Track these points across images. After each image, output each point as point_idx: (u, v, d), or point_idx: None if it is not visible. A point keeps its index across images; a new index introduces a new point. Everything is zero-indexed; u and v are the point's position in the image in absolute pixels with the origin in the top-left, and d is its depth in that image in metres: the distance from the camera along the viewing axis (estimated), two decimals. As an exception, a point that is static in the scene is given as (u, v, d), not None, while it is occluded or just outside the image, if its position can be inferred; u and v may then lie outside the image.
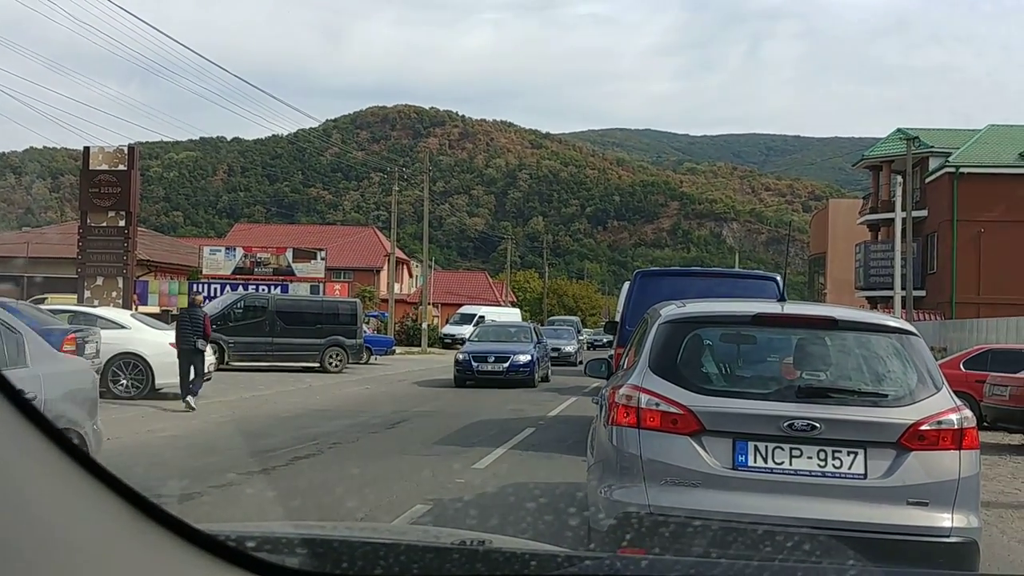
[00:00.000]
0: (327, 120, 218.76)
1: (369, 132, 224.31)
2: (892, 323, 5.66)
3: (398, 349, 43.25)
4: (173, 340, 16.97)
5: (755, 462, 4.89)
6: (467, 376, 22.80)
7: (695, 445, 4.92)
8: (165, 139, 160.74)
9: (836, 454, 4.85)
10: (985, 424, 16.13)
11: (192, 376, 15.79)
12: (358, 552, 1.60)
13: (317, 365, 27.47)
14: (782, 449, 4.87)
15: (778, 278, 12.70)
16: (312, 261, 40.46)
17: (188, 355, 15.87)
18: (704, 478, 4.85)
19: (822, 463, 4.85)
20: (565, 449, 11.82)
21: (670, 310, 5.70)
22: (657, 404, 5.03)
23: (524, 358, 23.38)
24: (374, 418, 15.26)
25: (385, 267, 61.21)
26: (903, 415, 4.92)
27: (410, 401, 18.63)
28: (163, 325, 18.97)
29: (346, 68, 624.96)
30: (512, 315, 50.61)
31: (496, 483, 9.22)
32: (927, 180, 42.14)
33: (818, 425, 4.83)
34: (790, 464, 4.86)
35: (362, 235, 74.51)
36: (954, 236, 39.69)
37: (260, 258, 40.23)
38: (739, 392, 5.29)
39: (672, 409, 5.00)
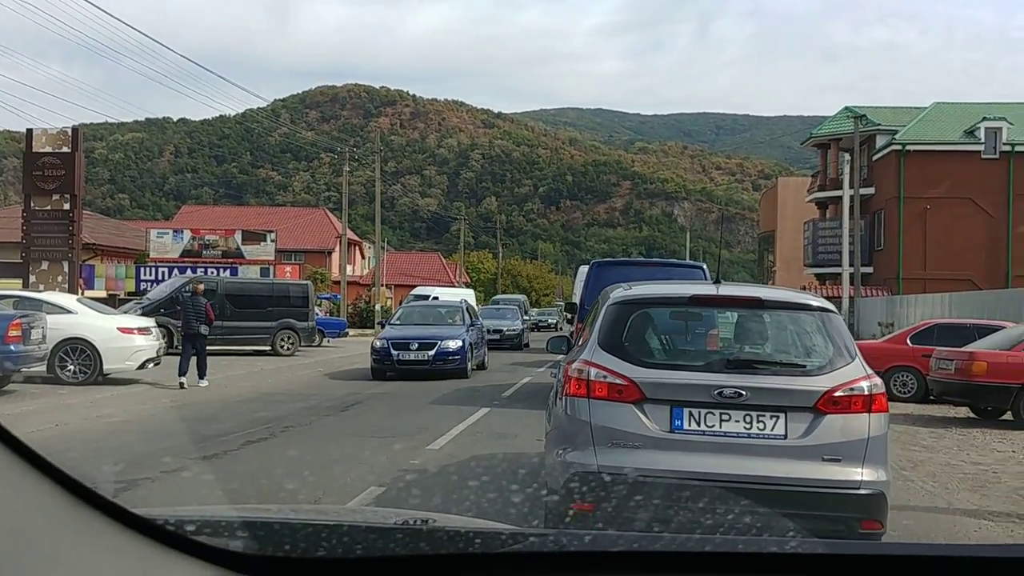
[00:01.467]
0: (275, 100, 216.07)
1: (319, 112, 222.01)
2: (814, 302, 6.13)
3: (351, 331, 43.00)
4: (122, 325, 16.77)
5: (689, 425, 5.48)
6: (385, 367, 19.43)
7: (637, 412, 5.51)
8: (110, 120, 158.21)
9: (760, 418, 5.44)
10: (932, 398, 16.47)
11: (196, 358, 17.22)
12: (300, 534, 1.60)
13: (269, 348, 27.21)
14: (713, 414, 5.48)
15: (704, 266, 15.89)
16: (262, 243, 40.07)
17: (192, 339, 17.39)
18: (645, 440, 5.45)
19: (748, 426, 5.45)
20: (521, 428, 11.85)
21: (618, 292, 6.27)
22: (604, 376, 5.60)
23: (454, 344, 19.64)
24: (327, 401, 15.15)
25: (337, 249, 60.79)
26: (820, 383, 5.51)
27: (364, 384, 18.52)
28: (110, 309, 18.71)
29: (294, 47, 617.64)
30: (467, 296, 50.07)
31: (450, 464, 9.19)
32: (874, 158, 42.69)
33: (744, 392, 5.43)
34: (720, 427, 5.46)
35: (313, 216, 73.95)
36: (900, 213, 40.30)
37: (208, 240, 39.74)
38: (676, 365, 5.93)
39: (618, 381, 5.58)
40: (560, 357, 8.28)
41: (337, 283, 54.73)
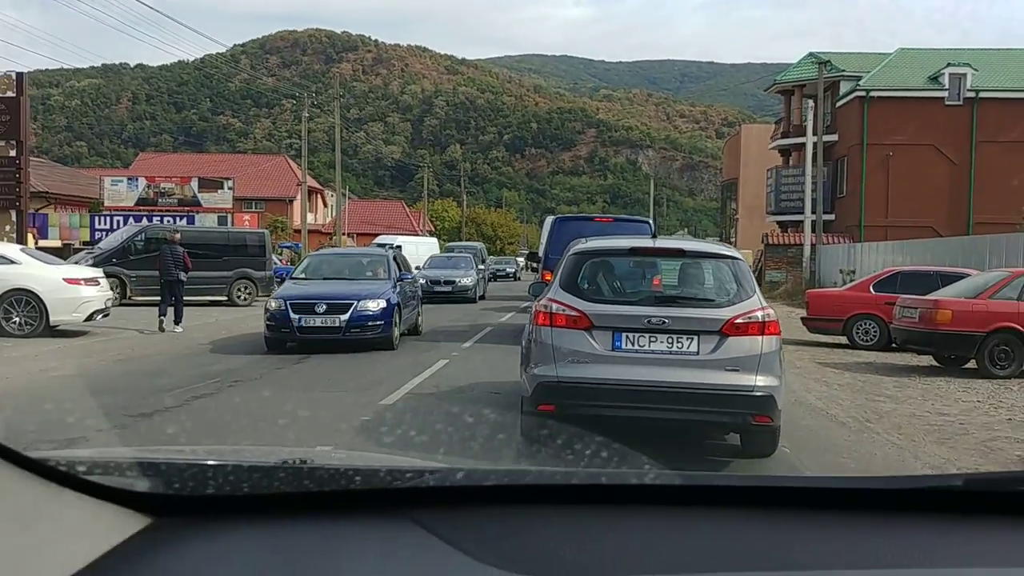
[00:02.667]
0: (235, 45, 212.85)
1: (279, 57, 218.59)
2: (725, 252, 7.98)
3: (312, 280, 42.41)
4: (68, 275, 16.23)
5: (627, 346, 7.13)
6: (284, 336, 14.99)
7: (588, 336, 7.16)
8: (66, 67, 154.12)
9: (679, 339, 7.09)
10: (894, 346, 16.40)
11: (174, 304, 17.97)
12: (187, 473, 1.61)
13: (225, 298, 26.68)
14: (644, 337, 7.11)
15: (650, 221, 19.25)
16: (219, 191, 39.16)
17: (170, 286, 18.02)
18: (593, 357, 7.11)
19: (670, 345, 7.10)
20: (475, 378, 11.57)
21: (577, 246, 8.01)
22: (563, 310, 7.27)
23: (375, 305, 15.19)
24: (280, 354, 14.73)
25: (298, 197, 59.89)
26: (724, 313, 7.13)
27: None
28: (56, 259, 18.09)
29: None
30: (430, 244, 49.51)
31: (402, 419, 8.89)
32: (838, 104, 42.46)
33: (667, 321, 7.08)
34: (649, 346, 7.11)
35: (273, 164, 72.73)
36: (863, 159, 40.18)
37: (164, 188, 38.79)
38: (618, 300, 7.64)
39: (573, 313, 7.23)
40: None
41: (298, 232, 53.94)
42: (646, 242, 8.41)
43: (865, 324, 17.47)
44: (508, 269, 58.80)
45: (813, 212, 36.35)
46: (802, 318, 18.81)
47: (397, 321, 15.71)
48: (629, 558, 1.46)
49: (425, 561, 1.44)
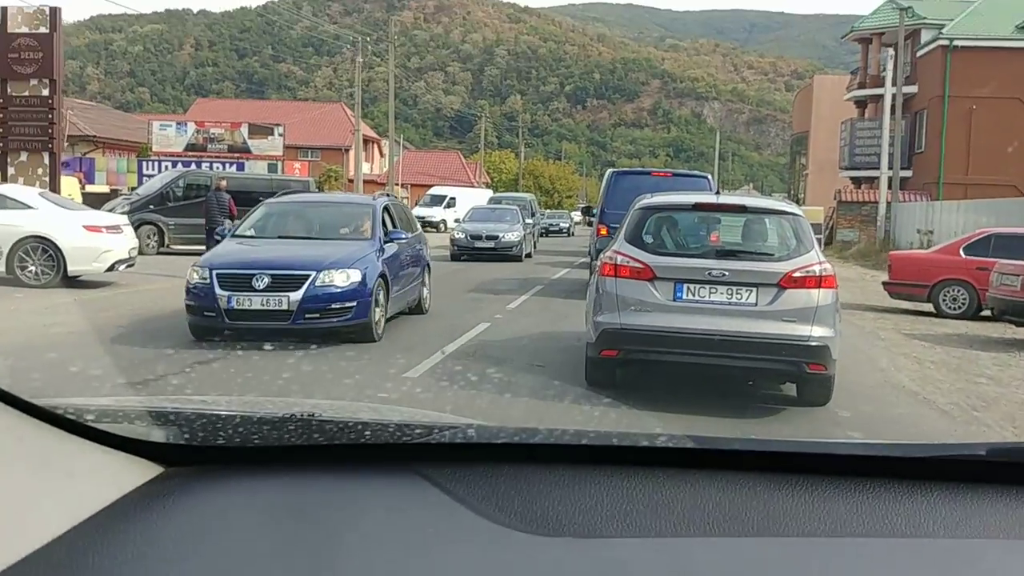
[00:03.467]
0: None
1: (341, 4, 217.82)
2: (785, 208, 8.33)
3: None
4: (88, 223, 15.26)
5: (687, 296, 7.43)
6: (210, 321, 10.41)
7: (650, 287, 7.47)
8: (128, 11, 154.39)
9: (738, 291, 7.36)
10: (984, 315, 14.80)
11: None
12: (197, 424, 1.60)
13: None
14: (704, 288, 7.40)
15: (709, 176, 18.42)
16: (269, 138, 38.13)
17: (215, 234, 16.64)
18: (655, 306, 7.42)
19: (729, 296, 7.37)
20: (516, 351, 10.29)
21: (642, 201, 8.40)
22: (627, 262, 7.59)
23: (343, 279, 10.47)
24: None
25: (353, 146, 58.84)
26: (782, 267, 7.41)
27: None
28: (78, 204, 17.17)
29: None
30: (486, 196, 47.55)
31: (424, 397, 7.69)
32: (918, 54, 40.07)
33: (727, 273, 7.36)
34: (709, 297, 7.40)
35: (329, 111, 71.77)
36: (944, 113, 37.87)
37: (213, 134, 37.87)
38: (679, 253, 7.96)
39: (637, 265, 7.55)
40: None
41: (352, 181, 52.97)
42: (709, 198, 8.70)
43: (953, 291, 15.74)
44: (561, 224, 53.93)
45: (890, 168, 34.34)
46: (884, 282, 17.13)
47: (382, 300, 10.97)
48: (637, 519, 1.43)
49: (432, 516, 1.43)
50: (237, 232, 12.14)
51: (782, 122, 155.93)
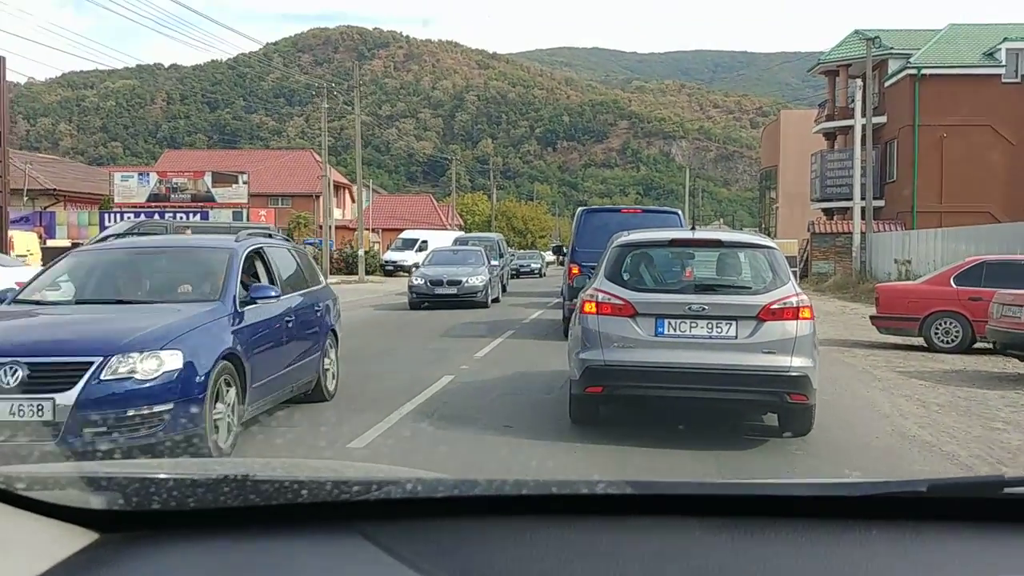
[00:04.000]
0: (268, 44, 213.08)
1: (311, 55, 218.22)
2: (761, 242, 8.50)
3: (334, 278, 40.44)
4: (21, 279, 14.38)
5: (669, 331, 7.49)
6: None
7: (632, 323, 7.54)
8: (100, 67, 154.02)
9: (718, 324, 7.42)
10: (976, 347, 14.14)
11: None
12: (130, 489, 1.54)
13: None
14: (685, 323, 7.46)
15: (679, 211, 18.32)
16: (234, 186, 37.44)
17: None
18: (637, 342, 7.49)
19: (710, 330, 7.42)
20: (480, 410, 9.42)
21: (619, 239, 8.40)
22: (608, 299, 7.66)
23: (153, 367, 6.33)
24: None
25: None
26: (760, 300, 7.50)
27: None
28: (12, 261, 16.27)
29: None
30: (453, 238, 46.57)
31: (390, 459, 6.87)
32: (886, 84, 39.96)
33: (707, 307, 7.45)
34: (690, 331, 7.45)
35: (299, 158, 70.88)
36: (915, 141, 37.69)
37: (176, 183, 37.15)
38: (660, 289, 8.01)
39: (618, 301, 7.61)
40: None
41: (322, 227, 52.09)
42: (686, 234, 8.79)
43: (946, 323, 14.96)
44: (532, 265, 51.42)
45: (863, 198, 33.96)
46: (872, 316, 16.28)
47: (230, 396, 7.04)
48: (576, 570, 1.43)
49: (369, 575, 1.42)
50: (21, 296, 7.95)
51: (748, 158, 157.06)
